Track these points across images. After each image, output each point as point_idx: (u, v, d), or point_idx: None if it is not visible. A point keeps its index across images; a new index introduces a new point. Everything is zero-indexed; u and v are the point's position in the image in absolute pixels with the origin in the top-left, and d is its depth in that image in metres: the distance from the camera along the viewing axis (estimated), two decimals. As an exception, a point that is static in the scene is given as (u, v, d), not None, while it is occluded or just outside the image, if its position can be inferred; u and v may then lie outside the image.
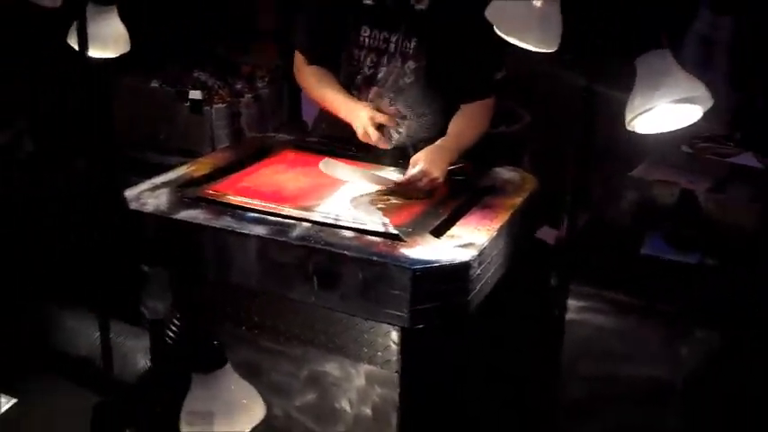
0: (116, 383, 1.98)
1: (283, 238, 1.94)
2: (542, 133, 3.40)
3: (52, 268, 2.63)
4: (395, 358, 1.95)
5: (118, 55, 2.30)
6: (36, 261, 2.59)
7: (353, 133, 2.45)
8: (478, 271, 1.91)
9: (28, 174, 2.92)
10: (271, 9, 3.71)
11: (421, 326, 1.84)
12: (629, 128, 1.65)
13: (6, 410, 2.21)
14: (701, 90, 1.61)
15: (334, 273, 1.87)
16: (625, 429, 2.21)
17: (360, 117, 2.41)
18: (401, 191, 2.25)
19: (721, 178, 2.46)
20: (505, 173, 2.45)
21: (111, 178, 2.19)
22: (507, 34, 1.77)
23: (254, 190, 2.25)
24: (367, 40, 2.49)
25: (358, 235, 1.97)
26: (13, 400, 2.23)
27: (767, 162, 2.76)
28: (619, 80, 1.72)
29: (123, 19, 2.24)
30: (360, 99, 2.52)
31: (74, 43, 1.84)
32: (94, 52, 2.08)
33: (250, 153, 2.57)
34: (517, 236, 2.21)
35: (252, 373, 2.03)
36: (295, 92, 3.51)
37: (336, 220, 2.04)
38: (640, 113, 1.61)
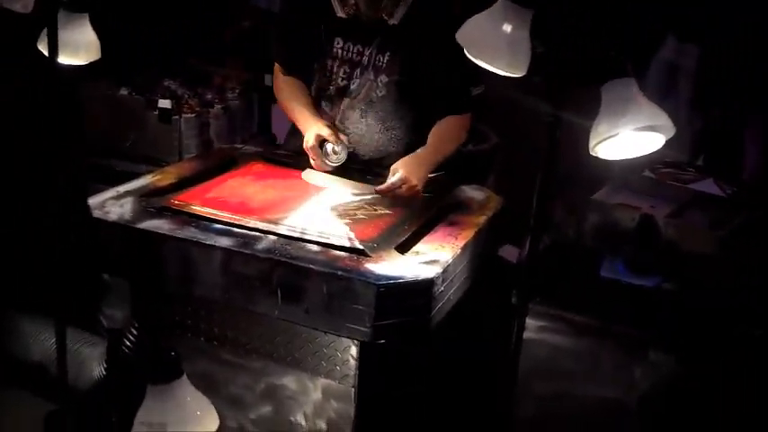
0: (71, 391, 1.97)
1: (248, 251, 1.94)
2: (509, 154, 3.44)
3: (11, 274, 2.61)
4: (353, 373, 1.96)
5: (88, 62, 2.29)
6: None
7: None
8: (441, 288, 1.93)
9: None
10: (238, 21, 3.72)
11: (383, 341, 1.85)
12: (592, 153, 1.68)
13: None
14: (664, 119, 1.65)
15: (299, 287, 1.88)
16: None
17: (307, 133, 2.46)
18: (379, 198, 2.31)
19: (682, 204, 2.51)
20: (471, 191, 2.48)
21: (75, 185, 2.17)
22: (476, 57, 1.80)
23: (221, 201, 2.25)
24: (340, 51, 2.51)
25: (324, 249, 1.98)
26: (-35, 407, 2.20)
27: (727, 189, 2.81)
28: (584, 106, 1.75)
29: (95, 26, 2.23)
30: (332, 110, 2.56)
31: (44, 49, 1.84)
32: (65, 59, 2.07)
33: (217, 164, 2.57)
34: (480, 254, 2.24)
35: (209, 385, 2.03)
36: (265, 104, 3.51)
37: (302, 233, 2.05)
38: (604, 139, 1.64)
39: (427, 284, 1.87)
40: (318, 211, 2.25)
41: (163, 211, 2.13)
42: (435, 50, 2.43)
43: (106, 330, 2.05)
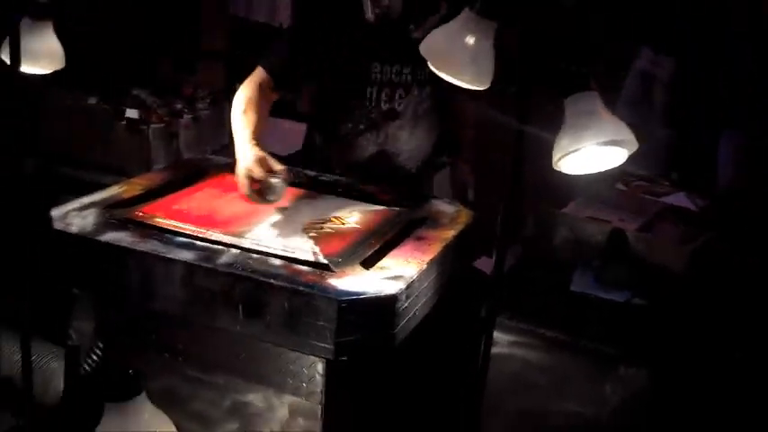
0: (38, 406, 1.93)
1: (210, 265, 1.90)
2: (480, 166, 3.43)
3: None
4: (319, 389, 1.92)
5: (52, 71, 2.26)
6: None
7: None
8: (406, 304, 1.90)
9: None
10: (216, 30, 3.69)
11: (345, 358, 1.82)
12: (555, 167, 1.67)
13: None
14: (627, 134, 1.64)
15: (260, 301, 1.84)
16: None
17: (238, 166, 2.29)
18: (347, 211, 2.29)
19: (652, 217, 2.50)
20: (441, 205, 2.46)
21: (39, 195, 2.14)
22: (440, 70, 1.78)
23: (186, 213, 2.21)
24: (379, 76, 2.50)
25: (287, 263, 1.94)
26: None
27: (699, 202, 2.81)
28: (552, 117, 1.74)
29: (67, 34, 2.20)
30: (379, 135, 2.56)
31: (6, 57, 1.81)
32: (27, 67, 2.04)
33: (186, 175, 2.53)
34: (449, 269, 2.21)
35: (174, 402, 2.00)
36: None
37: (266, 247, 2.01)
38: (567, 154, 1.63)
39: (390, 300, 1.84)
40: (285, 224, 2.21)
41: (126, 224, 2.09)
42: None
43: (64, 347, 2.02)
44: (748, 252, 2.34)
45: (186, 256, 1.93)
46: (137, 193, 2.33)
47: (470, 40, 1.70)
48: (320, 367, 1.91)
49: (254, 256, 1.96)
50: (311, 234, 2.14)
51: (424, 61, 2.41)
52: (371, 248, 2.09)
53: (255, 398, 2.03)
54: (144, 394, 1.58)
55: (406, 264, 2.01)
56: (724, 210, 2.75)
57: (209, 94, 3.37)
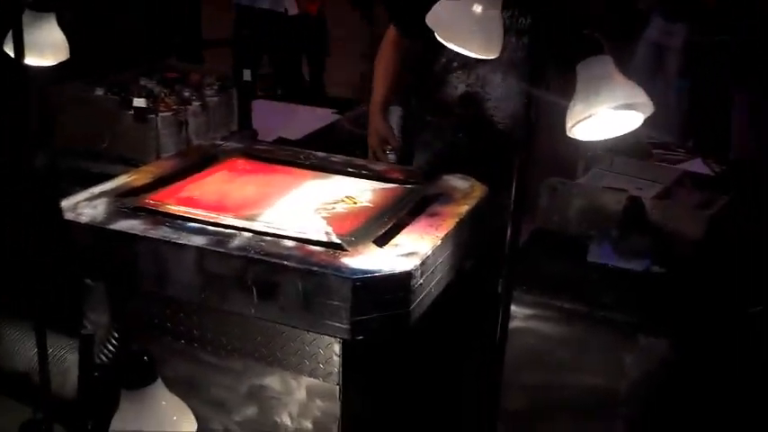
0: (56, 399, 1.92)
1: (222, 249, 1.89)
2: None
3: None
4: (337, 370, 1.91)
5: (56, 63, 2.24)
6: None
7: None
8: (421, 281, 1.87)
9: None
10: (218, 19, 3.66)
11: (362, 337, 1.80)
12: (569, 134, 1.63)
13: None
14: (641, 96, 1.59)
15: (274, 284, 1.83)
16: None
17: (370, 137, 2.81)
18: (359, 191, 2.32)
19: (669, 185, 2.46)
20: (454, 180, 2.43)
21: (49, 188, 2.13)
22: (448, 41, 1.74)
23: (197, 199, 2.20)
24: None
25: (299, 244, 1.92)
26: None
27: (716, 167, 2.77)
28: (565, 86, 1.70)
29: (70, 25, 2.18)
30: (470, 75, 2.60)
31: (10, 50, 1.79)
32: (32, 60, 2.02)
33: (195, 161, 2.52)
34: (465, 244, 2.18)
35: (191, 388, 1.99)
36: (245, 99, 3.45)
37: (278, 229, 2.00)
38: (581, 120, 1.59)
39: (405, 277, 1.82)
40: (297, 205, 2.20)
41: (137, 212, 2.08)
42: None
43: (78, 336, 2.01)
44: (764, 216, 2.30)
45: (198, 241, 1.92)
46: (146, 181, 2.32)
47: (477, 8, 1.66)
48: (337, 347, 1.89)
49: (267, 238, 1.95)
50: (323, 214, 2.12)
51: (526, 9, 2.44)
52: (385, 226, 2.07)
53: (272, 381, 2.02)
54: (160, 381, 1.56)
55: (420, 240, 1.98)
56: (739, 175, 2.71)
57: (217, 81, 3.34)
